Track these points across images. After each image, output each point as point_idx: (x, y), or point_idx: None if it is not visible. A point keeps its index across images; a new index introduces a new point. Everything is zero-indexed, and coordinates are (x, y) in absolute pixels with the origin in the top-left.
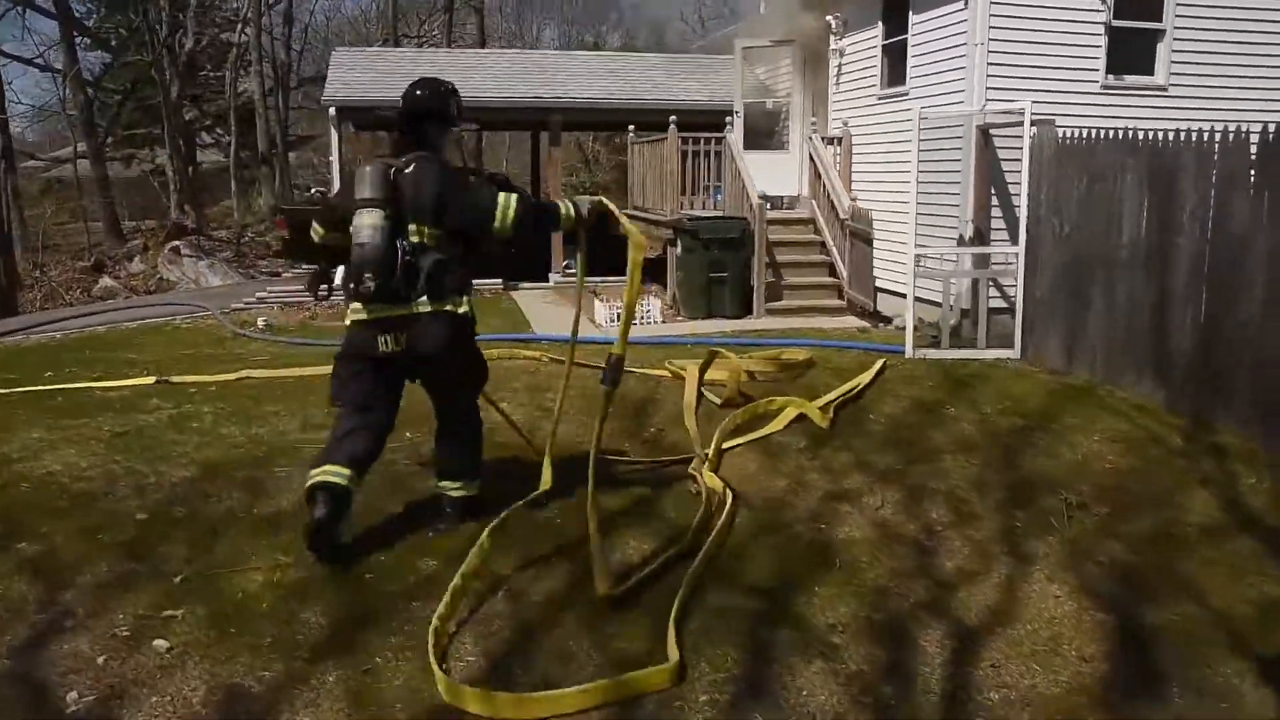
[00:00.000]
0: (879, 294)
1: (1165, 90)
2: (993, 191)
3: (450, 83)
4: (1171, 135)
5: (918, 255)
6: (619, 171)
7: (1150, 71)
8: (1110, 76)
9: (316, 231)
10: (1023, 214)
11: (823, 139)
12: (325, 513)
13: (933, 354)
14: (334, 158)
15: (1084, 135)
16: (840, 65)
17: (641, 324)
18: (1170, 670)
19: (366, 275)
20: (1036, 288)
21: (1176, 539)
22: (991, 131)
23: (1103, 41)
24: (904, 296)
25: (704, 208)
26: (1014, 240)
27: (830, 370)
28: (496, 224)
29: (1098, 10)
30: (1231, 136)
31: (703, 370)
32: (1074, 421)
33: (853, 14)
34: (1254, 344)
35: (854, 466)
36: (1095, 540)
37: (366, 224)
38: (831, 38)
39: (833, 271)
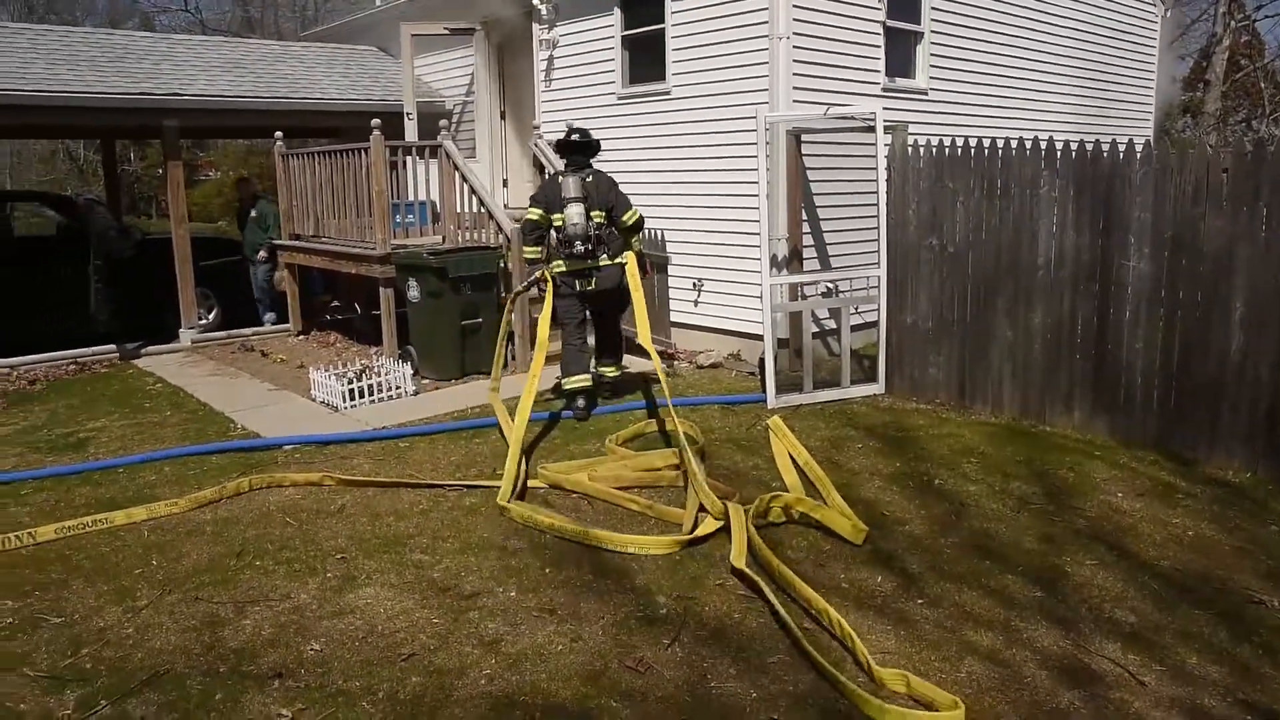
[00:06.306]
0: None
1: (926, 94)
2: (801, 206)
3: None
4: (1107, 146)
5: (787, 284)
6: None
7: (911, 74)
8: (887, 78)
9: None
10: (882, 231)
11: (549, 145)
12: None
13: (798, 399)
14: None
15: (979, 144)
16: (551, 58)
17: (387, 399)
18: None
19: (578, 241)
20: (907, 314)
21: None
22: (804, 139)
23: (882, 41)
24: (690, 329)
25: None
26: (823, 262)
27: (713, 438)
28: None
29: (876, 7)
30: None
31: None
32: (1071, 477)
33: None
34: (1243, 369)
35: (1008, 613)
36: None
37: (575, 212)
38: (536, 27)
39: None
